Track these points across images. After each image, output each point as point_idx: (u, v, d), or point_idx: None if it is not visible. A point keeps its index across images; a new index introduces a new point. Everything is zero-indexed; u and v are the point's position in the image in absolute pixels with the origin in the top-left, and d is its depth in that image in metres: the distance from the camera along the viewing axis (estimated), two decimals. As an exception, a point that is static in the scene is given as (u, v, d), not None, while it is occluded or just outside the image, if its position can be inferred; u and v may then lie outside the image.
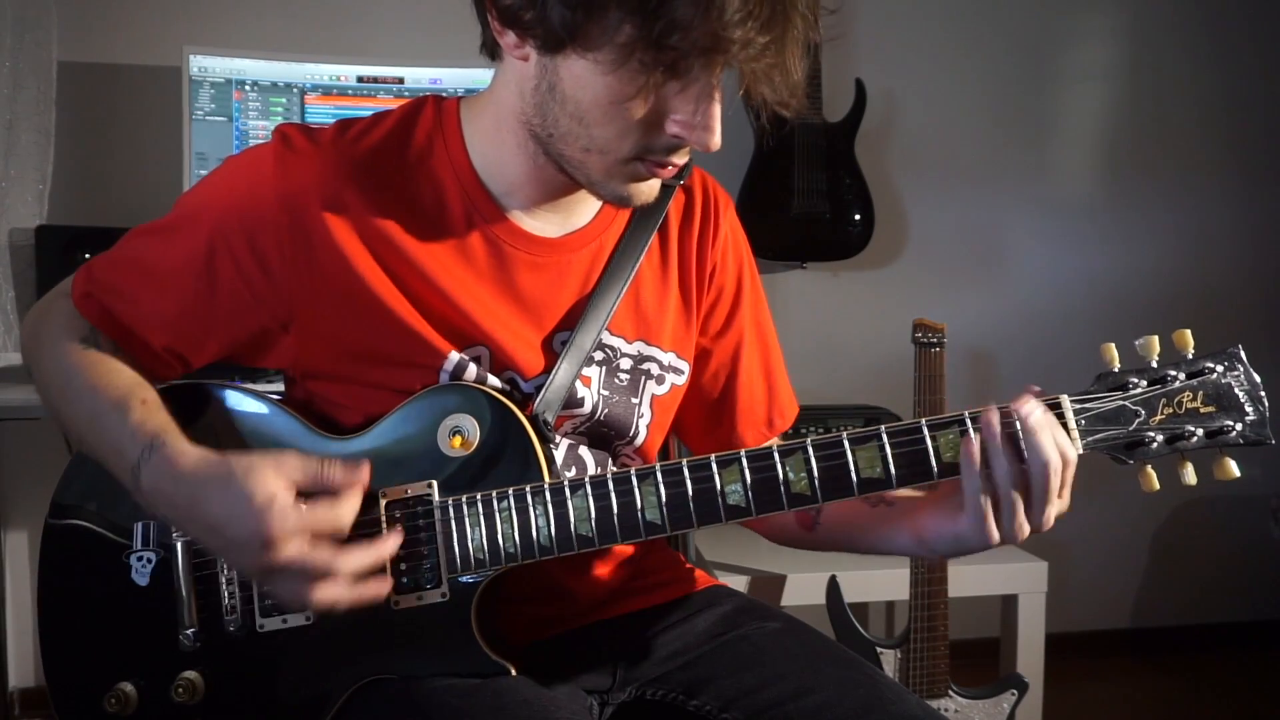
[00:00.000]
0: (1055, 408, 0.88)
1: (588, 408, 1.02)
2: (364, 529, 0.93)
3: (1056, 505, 0.88)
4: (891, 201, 2.68)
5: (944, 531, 0.93)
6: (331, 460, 0.88)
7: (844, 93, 2.49)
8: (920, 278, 2.74)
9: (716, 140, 0.87)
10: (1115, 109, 2.86)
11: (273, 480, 0.84)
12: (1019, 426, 0.86)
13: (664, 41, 0.79)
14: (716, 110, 0.86)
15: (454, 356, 0.96)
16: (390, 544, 0.89)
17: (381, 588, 0.88)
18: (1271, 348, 2.86)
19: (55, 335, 0.98)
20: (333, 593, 0.85)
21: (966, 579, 2.01)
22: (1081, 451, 0.88)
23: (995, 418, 0.87)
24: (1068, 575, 2.71)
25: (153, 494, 0.88)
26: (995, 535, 0.88)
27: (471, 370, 0.97)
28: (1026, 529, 0.88)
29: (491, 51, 0.95)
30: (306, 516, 0.84)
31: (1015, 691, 1.92)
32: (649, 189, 0.94)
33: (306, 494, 0.86)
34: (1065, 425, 0.88)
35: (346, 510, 0.87)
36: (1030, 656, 2.08)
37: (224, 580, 0.95)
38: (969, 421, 0.88)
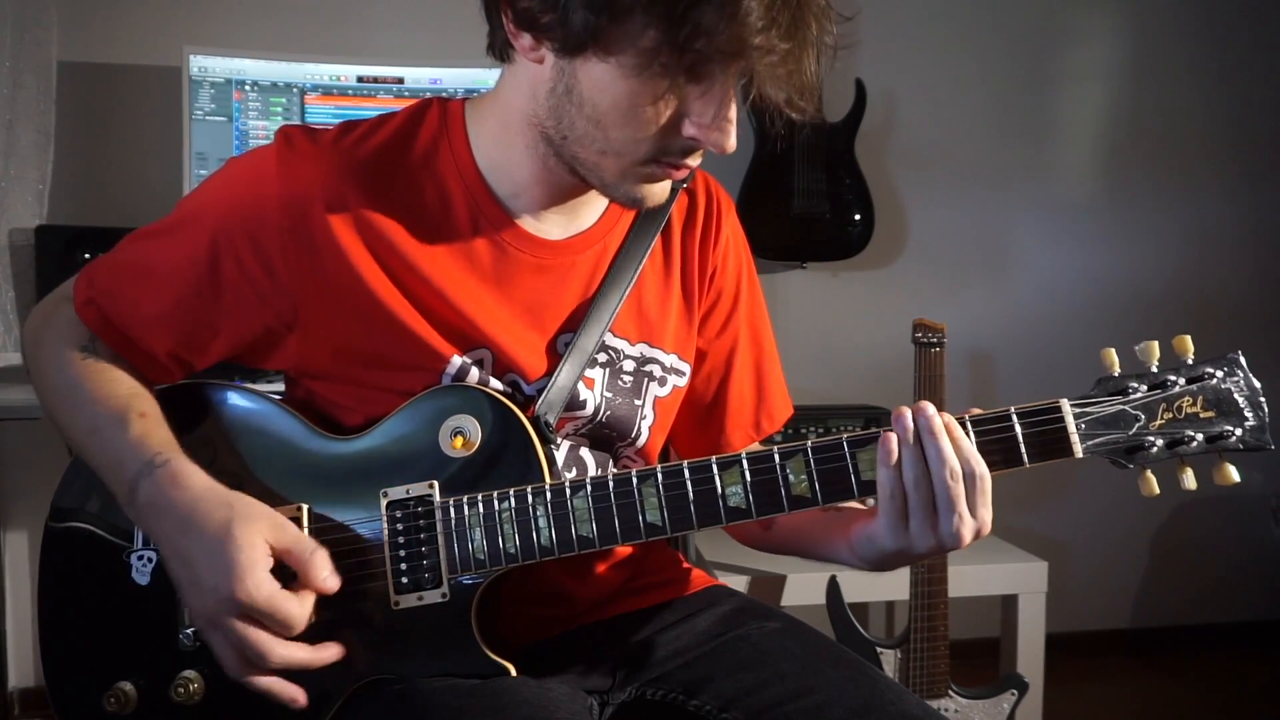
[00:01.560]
0: (1054, 411, 0.88)
1: (590, 409, 1.02)
2: (363, 529, 0.93)
3: (969, 523, 0.87)
4: (891, 201, 2.68)
5: (863, 533, 0.93)
6: (319, 550, 0.88)
7: (844, 93, 2.49)
8: (920, 278, 2.75)
9: (733, 142, 0.87)
10: (1116, 109, 2.86)
11: (261, 545, 0.85)
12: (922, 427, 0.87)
13: (688, 46, 0.80)
14: (733, 113, 0.87)
15: (456, 360, 0.96)
16: (329, 654, 0.89)
17: (297, 694, 0.89)
18: (1273, 347, 2.86)
19: (56, 343, 0.98)
20: (257, 679, 0.87)
21: (966, 579, 2.01)
22: (1081, 456, 0.88)
23: (909, 417, 0.87)
24: (1068, 575, 2.72)
25: (147, 511, 0.89)
26: (903, 537, 0.88)
27: (474, 374, 0.97)
28: (934, 539, 0.88)
29: (501, 54, 0.94)
30: (273, 599, 0.84)
31: (1015, 691, 1.92)
32: (661, 190, 0.94)
33: (281, 566, 0.87)
34: (1065, 429, 0.88)
35: (305, 611, 0.87)
36: (1030, 656, 2.07)
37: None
38: (969, 424, 0.89)
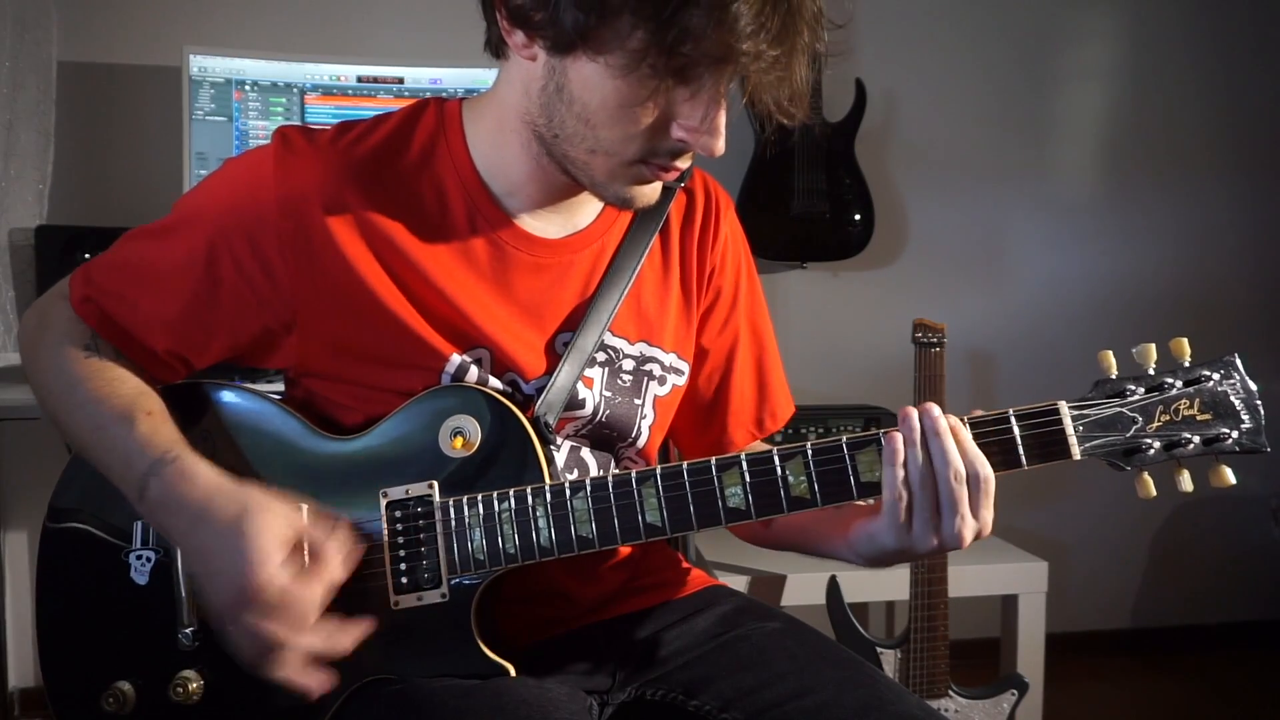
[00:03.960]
0: (1053, 414, 0.88)
1: (589, 409, 1.02)
2: (363, 529, 0.93)
3: (970, 524, 0.88)
4: (891, 201, 2.68)
5: (860, 529, 0.93)
6: (329, 542, 0.87)
7: (844, 93, 2.49)
8: (920, 278, 2.75)
9: (721, 146, 0.88)
10: (1116, 109, 2.86)
11: (277, 536, 0.84)
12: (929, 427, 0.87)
13: (676, 49, 0.80)
14: (722, 116, 0.87)
15: (455, 359, 0.96)
16: (349, 639, 0.88)
17: (325, 681, 0.87)
18: (1273, 348, 2.86)
19: (55, 342, 0.98)
20: (279, 670, 0.86)
21: (966, 579, 2.01)
22: (1079, 458, 0.89)
23: (915, 417, 0.88)
24: (1068, 575, 2.71)
25: (159, 507, 0.88)
26: (905, 536, 0.88)
27: (473, 373, 0.97)
28: (936, 539, 0.88)
29: (496, 50, 0.95)
30: (288, 590, 0.84)
31: (1015, 691, 1.92)
32: (651, 191, 0.95)
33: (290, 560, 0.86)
34: (1063, 431, 0.88)
35: (318, 598, 0.86)
36: (1030, 656, 2.07)
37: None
38: (968, 425, 0.89)
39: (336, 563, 0.87)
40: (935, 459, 0.87)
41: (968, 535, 0.88)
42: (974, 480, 0.87)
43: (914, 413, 0.88)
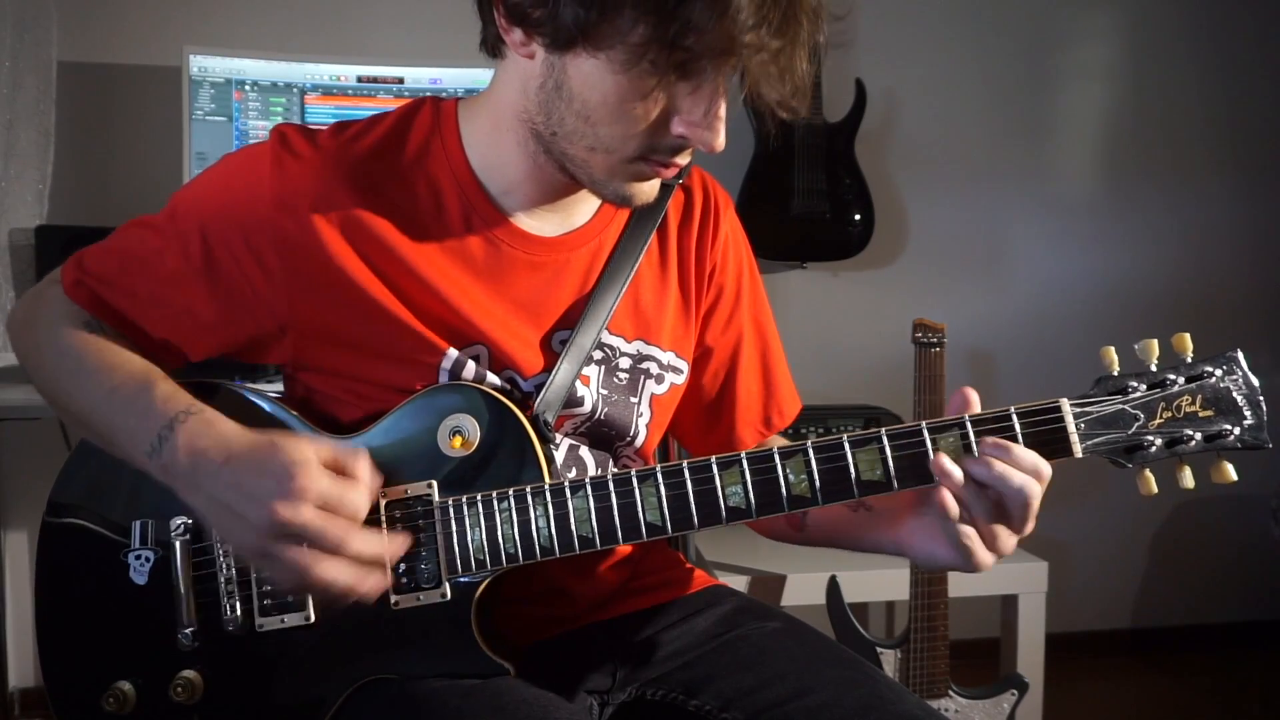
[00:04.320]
0: (1054, 411, 0.88)
1: (587, 407, 1.02)
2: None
3: (1016, 538, 0.90)
4: (891, 201, 2.68)
5: (922, 551, 0.94)
6: (359, 452, 0.87)
7: (844, 93, 2.49)
8: (920, 278, 2.74)
9: (721, 141, 0.87)
10: (1116, 109, 2.86)
11: (308, 447, 0.84)
12: (986, 471, 0.86)
13: (678, 43, 0.80)
14: (722, 112, 0.87)
15: (452, 354, 0.96)
16: (399, 543, 0.89)
17: (381, 581, 0.87)
18: (1273, 347, 2.86)
19: (53, 320, 0.97)
20: (334, 571, 0.84)
21: (966, 579, 2.00)
22: (1081, 455, 0.88)
23: (954, 473, 0.86)
24: (1068, 575, 2.71)
25: (183, 457, 0.86)
26: (978, 562, 0.89)
27: (470, 368, 0.97)
28: (1009, 548, 0.90)
29: (493, 49, 0.95)
30: (333, 487, 0.83)
31: (1015, 691, 1.92)
32: (650, 189, 0.94)
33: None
34: (1065, 429, 0.88)
35: (364, 499, 0.86)
36: (1030, 656, 2.07)
37: (223, 580, 0.95)
38: (969, 425, 0.88)
39: (369, 473, 0.87)
40: (1009, 498, 0.86)
41: (1011, 546, 0.90)
42: (1041, 483, 0.87)
43: (954, 471, 0.86)
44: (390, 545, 0.88)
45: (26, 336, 1.00)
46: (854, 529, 1.02)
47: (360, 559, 0.85)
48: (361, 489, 0.86)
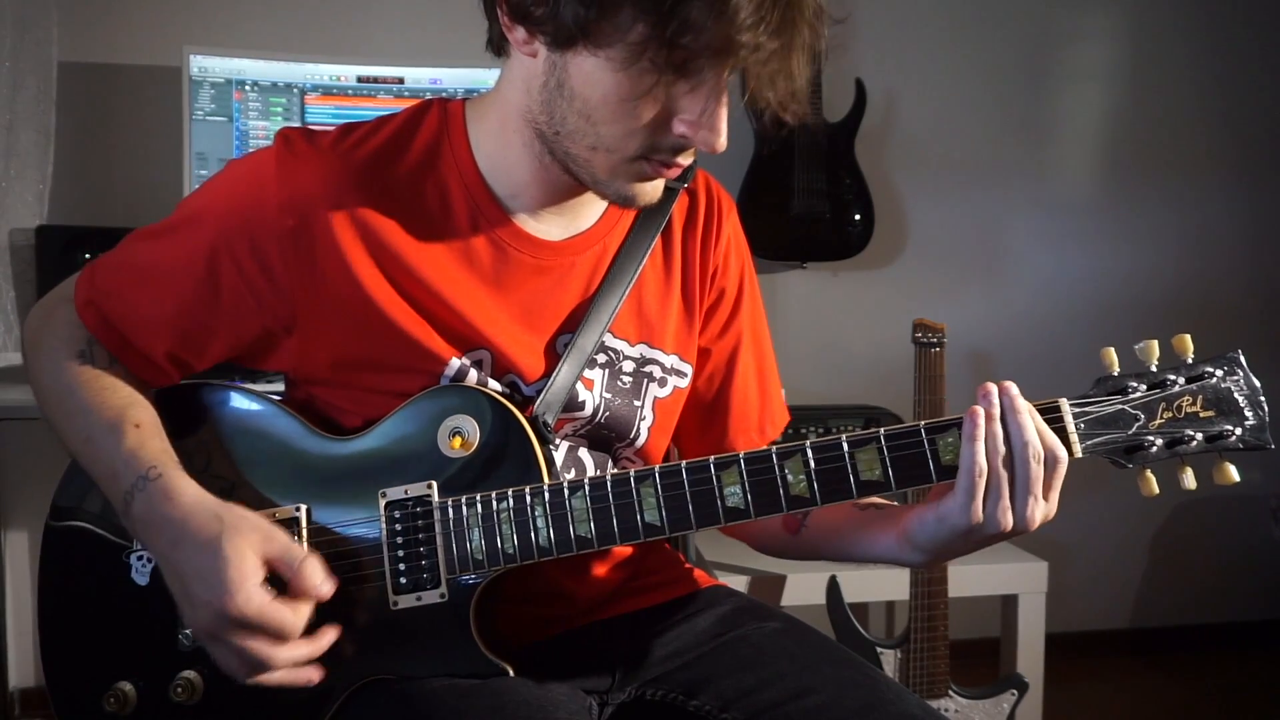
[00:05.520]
0: (1054, 411, 0.88)
1: (588, 410, 1.02)
2: (362, 529, 0.93)
3: (1041, 505, 0.87)
4: (891, 201, 2.68)
5: (927, 516, 0.91)
6: (309, 558, 0.86)
7: (844, 93, 2.49)
8: (920, 278, 2.74)
9: (723, 141, 0.87)
10: (1115, 109, 2.86)
11: (251, 558, 0.84)
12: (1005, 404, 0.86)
13: (676, 42, 0.80)
14: (723, 112, 0.87)
15: (455, 363, 0.96)
16: (326, 640, 0.89)
17: (312, 675, 0.88)
18: (1273, 347, 2.86)
19: (54, 347, 0.98)
20: (265, 674, 0.86)
21: (966, 579, 2.01)
22: (1081, 455, 0.88)
23: (995, 393, 0.87)
24: (1068, 575, 2.71)
25: (141, 524, 0.89)
26: (979, 513, 0.86)
27: (472, 376, 0.97)
28: (1009, 518, 0.86)
29: (498, 48, 0.95)
30: (265, 612, 0.83)
31: (1015, 691, 1.92)
32: (653, 189, 0.94)
33: (274, 576, 0.86)
34: (1065, 429, 0.88)
35: (300, 617, 0.86)
36: (1030, 656, 2.07)
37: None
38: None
39: (318, 581, 0.86)
40: (1014, 436, 0.86)
41: (1038, 517, 0.87)
42: (1050, 461, 0.86)
43: (994, 389, 0.87)
44: (322, 640, 0.88)
45: (32, 360, 1.01)
46: (858, 526, 1.01)
47: (292, 665, 0.86)
48: (299, 608, 0.85)
